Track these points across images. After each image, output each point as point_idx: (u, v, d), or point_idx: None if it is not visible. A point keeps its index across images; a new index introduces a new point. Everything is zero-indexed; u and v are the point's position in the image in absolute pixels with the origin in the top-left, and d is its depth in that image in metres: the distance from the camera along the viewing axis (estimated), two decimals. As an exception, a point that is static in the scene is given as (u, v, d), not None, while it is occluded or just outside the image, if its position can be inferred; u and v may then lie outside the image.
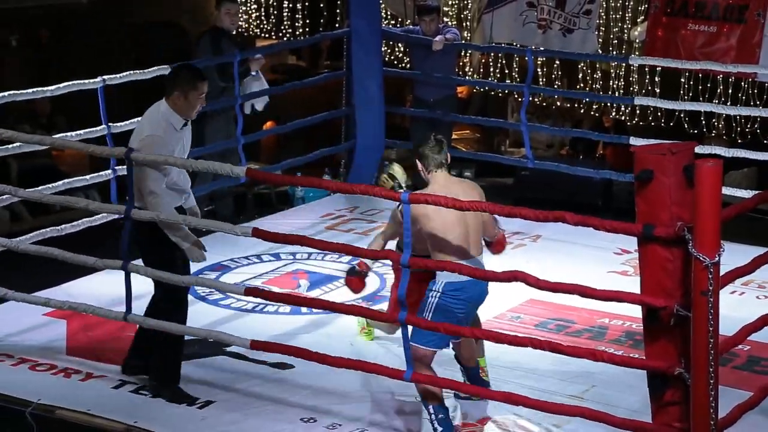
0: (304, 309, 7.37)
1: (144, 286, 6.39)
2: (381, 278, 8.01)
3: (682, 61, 9.31)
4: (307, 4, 12.61)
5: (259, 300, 7.33)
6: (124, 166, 6.23)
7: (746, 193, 8.48)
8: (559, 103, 11.35)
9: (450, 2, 11.45)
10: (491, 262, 7.52)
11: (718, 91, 9.84)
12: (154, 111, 6.13)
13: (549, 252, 8.45)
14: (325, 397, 6.28)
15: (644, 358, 5.23)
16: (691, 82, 9.95)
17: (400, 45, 11.46)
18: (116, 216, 6.96)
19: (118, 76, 8.25)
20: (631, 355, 6.51)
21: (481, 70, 11.53)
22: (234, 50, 9.06)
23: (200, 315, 7.32)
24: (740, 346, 6.42)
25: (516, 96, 11.21)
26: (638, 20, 10.57)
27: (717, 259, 4.74)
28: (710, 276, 4.72)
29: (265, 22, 12.60)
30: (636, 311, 5.33)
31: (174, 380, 6.27)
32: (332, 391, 6.33)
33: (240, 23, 12.47)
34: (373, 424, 6.02)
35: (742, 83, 9.78)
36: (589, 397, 6.18)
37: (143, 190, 6.03)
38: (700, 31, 9.67)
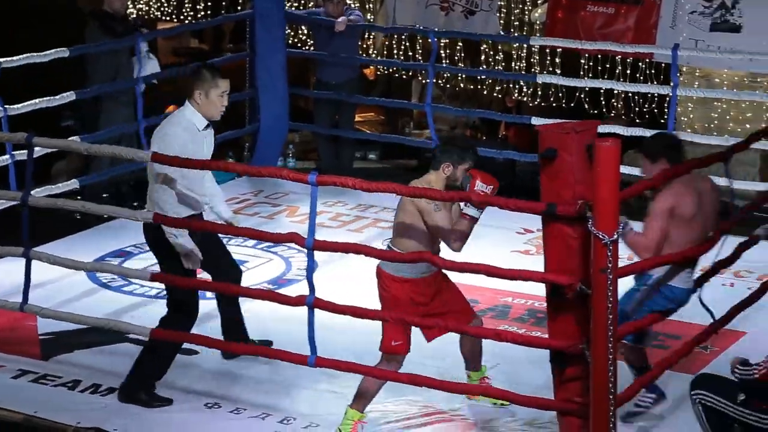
0: (208, 294, 7.30)
1: (46, 275, 6.29)
2: (286, 262, 7.99)
3: (582, 42, 9.43)
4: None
5: (163, 286, 7.25)
6: (24, 152, 6.12)
7: (645, 172, 8.61)
8: (462, 85, 11.40)
9: (353, -16, 11.43)
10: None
11: (617, 71, 9.98)
12: (176, 112, 6.04)
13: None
14: (229, 383, 6.26)
15: (547, 335, 5.30)
16: (591, 63, 10.08)
17: (303, 27, 11.41)
18: (14, 203, 6.82)
19: (15, 59, 8.08)
20: (534, 332, 6.60)
21: (385, 52, 11.53)
22: (131, 33, 8.93)
23: (103, 302, 7.24)
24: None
25: (420, 77, 11.24)
26: (539, 2, 10.67)
27: (615, 236, 4.82)
28: (609, 254, 4.80)
29: (165, 4, 12.42)
30: (538, 290, 5.40)
31: (152, 385, 6.10)
32: (237, 377, 6.31)
33: (140, 5, 12.30)
34: (276, 409, 6.01)
35: (640, 64, 9.93)
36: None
37: (153, 192, 5.95)
38: (599, 12, 9.79)
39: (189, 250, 5.95)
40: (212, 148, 6.18)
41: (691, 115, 9.93)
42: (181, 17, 12.41)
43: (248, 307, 7.04)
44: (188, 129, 5.97)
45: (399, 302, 5.69)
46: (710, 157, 5.98)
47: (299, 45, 11.51)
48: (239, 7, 11.99)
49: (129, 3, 9.87)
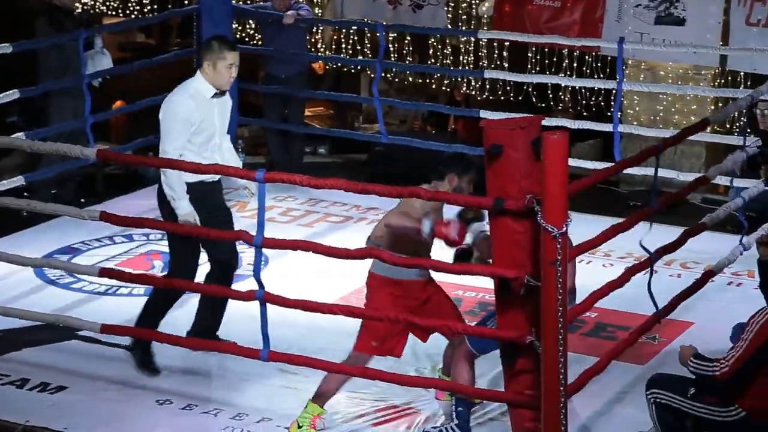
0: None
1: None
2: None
3: (529, 36, 9.49)
4: (154, -20, 12.40)
5: (112, 282, 7.22)
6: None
7: (592, 165, 8.71)
8: (411, 79, 11.44)
9: (301, -22, 11.41)
10: (347, 238, 7.58)
11: (564, 65, 10.06)
12: (186, 82, 6.31)
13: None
14: (180, 379, 6.24)
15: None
16: (538, 57, 10.15)
17: (251, 22, 11.37)
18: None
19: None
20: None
21: (334, 46, 11.53)
22: (78, 29, 8.85)
23: (51, 299, 7.19)
24: (588, 314, 6.61)
25: (369, 72, 11.25)
26: (486, -5, 10.73)
27: (564, 229, 4.86)
28: (558, 246, 4.84)
29: (111, -2, 12.34)
30: (489, 282, 5.43)
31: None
32: (188, 372, 6.29)
33: (86, 0, 12.19)
34: (229, 404, 6.01)
35: (587, 57, 10.02)
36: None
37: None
38: (546, 5, 9.86)
39: (186, 213, 6.12)
40: (227, 116, 6.41)
41: (637, 108, 10.04)
42: (127, 12, 12.33)
43: (196, 303, 7.03)
44: (194, 97, 6.20)
45: (384, 304, 5.71)
46: (644, 151, 6.05)
47: (247, 39, 11.47)
48: (186, 2, 11.94)
49: (76, -2, 9.76)
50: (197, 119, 6.19)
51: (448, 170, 5.82)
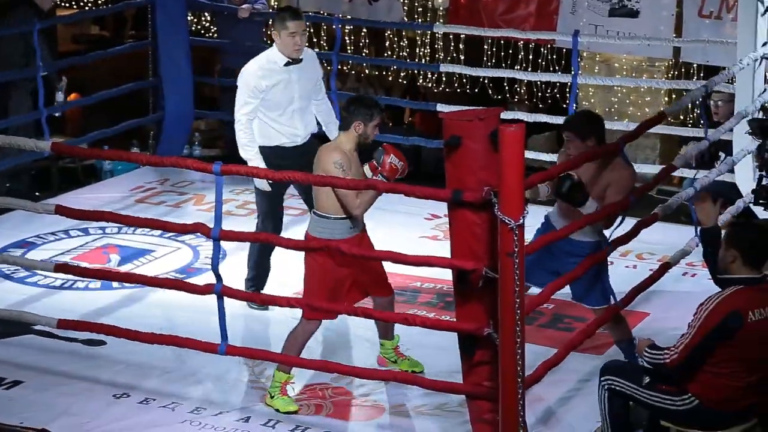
0: (115, 284, 7.24)
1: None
2: (194, 251, 7.95)
3: (485, 29, 9.51)
4: (108, -29, 12.30)
5: (68, 276, 7.17)
6: None
7: (548, 157, 8.76)
8: (367, 71, 11.44)
9: (256, -30, 11.36)
10: (305, 231, 7.56)
11: (520, 57, 10.10)
12: (264, 51, 6.84)
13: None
14: (137, 373, 6.21)
15: (455, 320, 5.37)
16: (494, 49, 10.18)
17: (206, 14, 11.31)
18: None
19: None
20: (443, 317, 6.67)
21: (289, 38, 11.50)
22: (33, 19, 8.78)
23: (6, 293, 7.12)
24: (545, 305, 6.65)
25: (325, 64, 11.23)
26: (442, -12, 10.74)
27: (521, 221, 4.89)
28: (515, 238, 4.87)
29: (65, -10, 12.23)
30: (447, 274, 5.45)
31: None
32: (145, 367, 6.26)
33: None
34: (186, 397, 5.99)
35: (542, 49, 10.07)
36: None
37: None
38: (501, -2, 9.90)
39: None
40: (314, 80, 6.84)
41: (592, 100, 10.10)
42: (81, 3, 12.22)
43: (155, 297, 7.01)
44: (264, 66, 6.67)
45: (324, 266, 5.78)
46: (605, 147, 6.07)
47: (202, 32, 11.42)
48: (141, -7, 11.85)
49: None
50: (266, 86, 6.61)
51: (353, 118, 5.82)
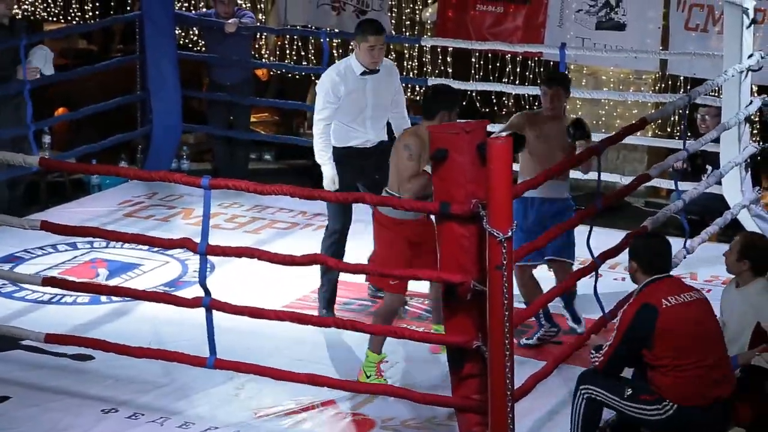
0: (103, 298, 7.24)
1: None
2: (183, 264, 7.94)
3: (472, 42, 9.54)
4: (96, -14, 12.30)
5: (56, 291, 7.16)
6: None
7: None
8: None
9: (244, -16, 11.39)
10: (294, 245, 7.57)
11: (507, 70, 10.13)
12: (344, 59, 7.13)
13: (351, 233, 8.52)
14: (126, 388, 6.19)
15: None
16: (482, 62, 10.21)
17: (194, 28, 11.32)
18: None
19: None
20: (432, 330, 6.67)
21: (278, 52, 11.51)
22: (7, 39, 8.74)
23: (-7, 309, 7.10)
24: (534, 318, 6.66)
25: (313, 78, 11.24)
26: (429, 1, 10.76)
27: (510, 233, 4.90)
28: (504, 250, 4.88)
29: (52, 4, 12.22)
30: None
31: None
32: (133, 381, 6.24)
33: (26, 6, 12.07)
34: (174, 412, 5.97)
35: (530, 62, 10.10)
36: (391, 375, 6.29)
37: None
38: (488, 11, 9.92)
39: (327, 176, 6.95)
40: (391, 90, 7.07)
41: (580, 113, 10.12)
42: (69, 18, 12.22)
43: (144, 311, 6.99)
44: (341, 73, 6.92)
45: (395, 241, 6.12)
46: (586, 151, 6.12)
47: (190, 46, 11.42)
48: (128, 8, 11.86)
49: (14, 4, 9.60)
50: (342, 93, 6.87)
51: (441, 107, 6.10)
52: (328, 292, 7.08)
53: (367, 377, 6.13)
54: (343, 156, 7.01)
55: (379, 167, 6.70)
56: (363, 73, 6.94)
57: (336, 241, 7.08)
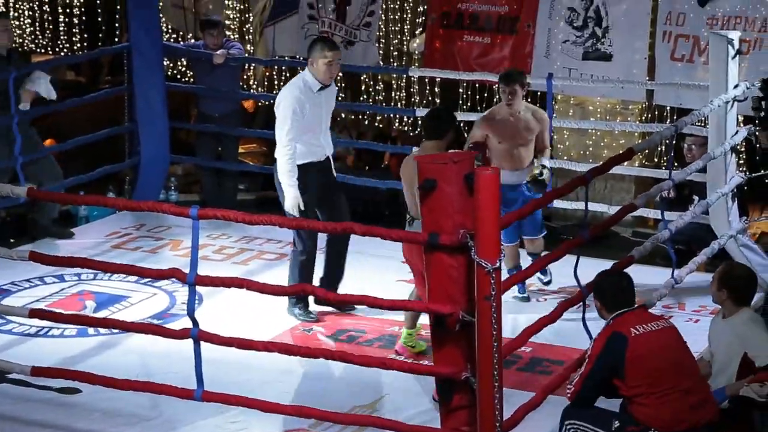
0: (91, 330, 7.20)
1: None
2: (170, 296, 7.92)
3: (459, 73, 9.58)
4: (84, 18, 12.32)
5: (43, 323, 7.12)
6: None
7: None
8: (344, 115, 11.47)
9: (232, 16, 11.42)
10: (282, 276, 7.55)
11: (495, 100, 10.14)
12: (297, 76, 7.36)
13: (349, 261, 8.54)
14: (113, 421, 6.15)
15: (432, 364, 5.35)
16: (469, 92, 10.24)
17: (182, 59, 11.34)
18: None
19: None
20: (421, 361, 6.65)
21: (266, 83, 11.53)
22: (6, 69, 8.75)
23: (-20, 342, 7.06)
24: (523, 348, 6.65)
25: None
26: (416, 32, 10.81)
27: (498, 264, 4.90)
28: (492, 281, 4.87)
29: (40, 36, 12.23)
30: (425, 319, 5.45)
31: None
32: (121, 414, 6.20)
33: (14, 37, 12.07)
34: (164, 444, 5.94)
35: (517, 93, 10.11)
36: (380, 407, 6.27)
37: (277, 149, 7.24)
38: (475, 42, 9.97)
39: (291, 197, 7.12)
40: (333, 104, 7.46)
41: (567, 143, 10.16)
42: (57, 50, 12.23)
43: (131, 344, 6.96)
44: (302, 90, 7.19)
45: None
46: (574, 180, 6.14)
47: (179, 77, 11.44)
48: (117, 39, 11.88)
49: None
50: (307, 109, 7.14)
51: (446, 126, 6.48)
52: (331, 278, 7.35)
53: (413, 347, 6.74)
54: (305, 173, 7.22)
55: (329, 179, 7.31)
56: (320, 89, 7.23)
57: (307, 260, 7.31)
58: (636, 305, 5.47)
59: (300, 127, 7.17)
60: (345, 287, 7.41)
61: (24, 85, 8.81)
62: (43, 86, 8.90)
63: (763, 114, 7.67)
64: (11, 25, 9.18)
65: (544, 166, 7.64)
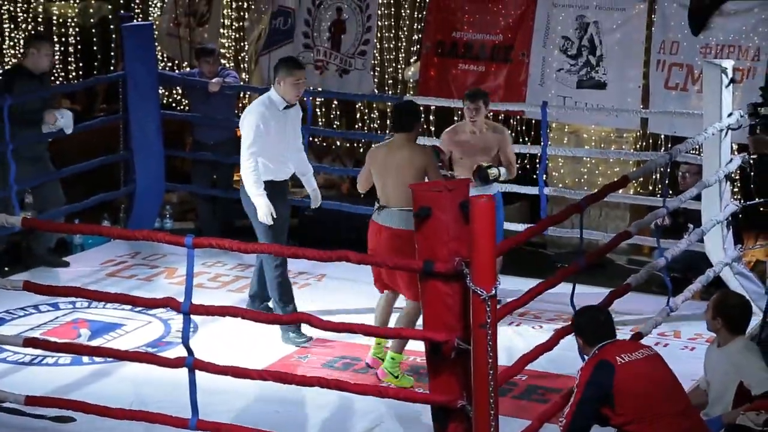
0: (85, 359, 7.18)
1: None
2: (165, 324, 7.90)
3: (454, 100, 9.61)
4: (79, 46, 12.35)
5: (38, 352, 7.10)
6: None
7: (520, 227, 8.79)
8: (339, 143, 11.50)
9: (227, 44, 11.46)
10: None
11: (489, 128, 10.16)
12: (263, 95, 7.45)
13: (334, 291, 8.53)
14: (108, 450, 6.12)
15: (428, 392, 5.34)
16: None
17: (178, 88, 11.37)
18: None
19: None
20: (417, 389, 6.64)
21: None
22: (38, 89, 8.85)
23: (-26, 371, 7.03)
24: (519, 376, 6.63)
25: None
26: (411, 60, 10.85)
27: (494, 292, 4.90)
28: (488, 309, 4.87)
29: (36, 65, 12.24)
30: (420, 345, 5.44)
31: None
32: (115, 444, 6.18)
33: (8, 67, 12.09)
34: (158, 474, 5.91)
35: (512, 120, 10.16)
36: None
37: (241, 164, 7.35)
38: (470, 70, 10.00)
39: (264, 206, 7.23)
40: (299, 124, 7.63)
41: (562, 171, 10.18)
42: (53, 78, 12.25)
43: (125, 372, 6.94)
44: (268, 107, 7.31)
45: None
46: (569, 208, 6.15)
47: (174, 105, 11.46)
48: (112, 67, 11.90)
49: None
50: (271, 126, 7.27)
51: (417, 120, 6.95)
52: (280, 288, 7.38)
53: (396, 377, 6.62)
54: (274, 190, 7.35)
55: (283, 201, 7.46)
56: (285, 108, 7.36)
57: (283, 271, 7.40)
58: (616, 338, 5.49)
59: (264, 144, 7.27)
60: (339, 315, 7.40)
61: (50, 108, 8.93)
62: (66, 118, 9.00)
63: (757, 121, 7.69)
64: (53, 50, 9.28)
65: (498, 168, 7.83)
